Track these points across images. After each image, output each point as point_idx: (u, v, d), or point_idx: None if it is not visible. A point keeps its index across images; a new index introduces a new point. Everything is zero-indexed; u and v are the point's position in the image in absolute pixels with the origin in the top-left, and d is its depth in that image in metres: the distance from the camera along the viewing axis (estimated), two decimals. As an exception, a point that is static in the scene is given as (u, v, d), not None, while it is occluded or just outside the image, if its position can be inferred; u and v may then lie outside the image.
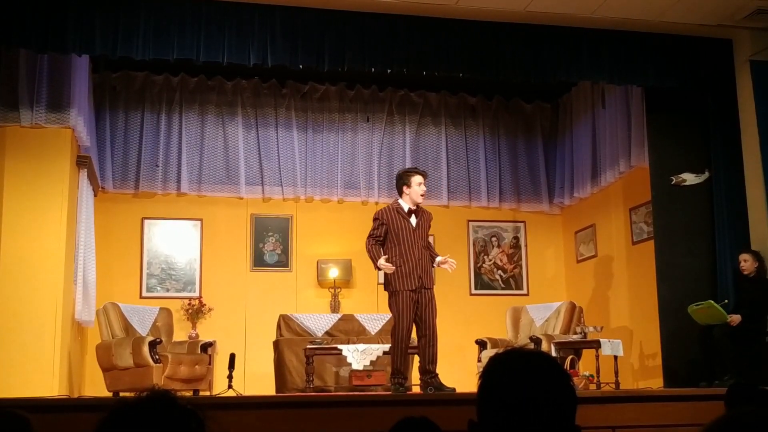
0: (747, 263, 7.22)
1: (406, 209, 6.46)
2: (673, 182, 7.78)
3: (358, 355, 7.56)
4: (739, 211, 7.62)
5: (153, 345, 7.43)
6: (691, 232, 7.77)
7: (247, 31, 7.01)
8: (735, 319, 6.96)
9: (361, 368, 7.61)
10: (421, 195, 6.47)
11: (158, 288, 9.49)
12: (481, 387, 1.65)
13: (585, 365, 7.94)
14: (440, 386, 6.23)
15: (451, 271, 6.73)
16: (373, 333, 8.85)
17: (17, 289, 7.04)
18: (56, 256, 7.24)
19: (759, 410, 1.30)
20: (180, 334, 8.94)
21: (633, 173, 8.89)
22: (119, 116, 9.53)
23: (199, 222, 9.70)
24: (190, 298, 9.40)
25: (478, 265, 10.40)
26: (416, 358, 7.86)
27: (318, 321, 8.91)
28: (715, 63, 7.83)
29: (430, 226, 6.65)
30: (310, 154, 9.96)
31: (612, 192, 9.49)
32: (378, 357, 7.68)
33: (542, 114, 10.74)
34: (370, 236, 6.49)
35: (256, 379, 8.83)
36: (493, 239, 10.46)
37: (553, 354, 7.47)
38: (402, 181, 6.52)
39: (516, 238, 10.53)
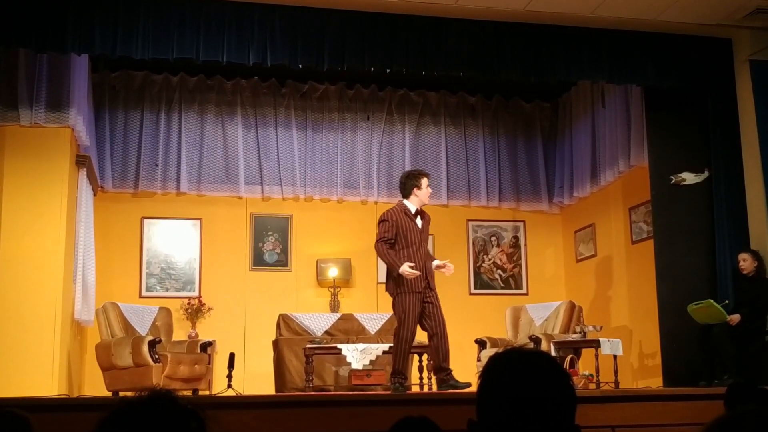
0: (746, 263, 7.22)
1: (413, 210, 6.45)
2: (672, 181, 7.78)
3: (357, 355, 7.55)
4: (738, 210, 7.62)
5: (152, 344, 7.43)
6: (691, 231, 7.78)
7: (247, 30, 7.01)
8: (734, 318, 6.97)
9: (360, 368, 7.60)
10: (430, 196, 6.57)
11: (158, 287, 9.49)
12: (480, 386, 1.65)
13: (584, 365, 7.94)
14: (456, 383, 6.23)
15: (448, 275, 6.73)
16: (372, 332, 8.85)
17: (17, 288, 7.04)
18: (56, 256, 7.24)
19: (758, 410, 1.30)
20: (179, 333, 8.94)
21: (632, 172, 8.89)
22: (119, 116, 9.53)
23: (198, 221, 9.70)
24: (189, 298, 9.40)
25: (478, 264, 10.40)
26: (416, 358, 7.89)
27: (317, 320, 8.91)
28: (714, 62, 7.83)
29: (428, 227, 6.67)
30: (310, 154, 9.96)
31: (611, 191, 9.49)
32: (377, 356, 7.68)
33: (542, 113, 10.74)
34: (381, 240, 6.37)
35: (256, 378, 8.83)
36: (493, 239, 10.46)
37: (553, 353, 7.47)
38: (412, 182, 6.49)
39: (515, 237, 10.53)
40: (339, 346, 7.79)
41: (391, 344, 7.72)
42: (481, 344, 8.52)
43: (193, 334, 9.01)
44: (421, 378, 7.68)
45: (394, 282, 6.31)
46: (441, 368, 6.33)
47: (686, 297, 7.30)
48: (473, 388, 5.63)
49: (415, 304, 6.24)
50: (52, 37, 6.59)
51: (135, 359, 7.40)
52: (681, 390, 6.04)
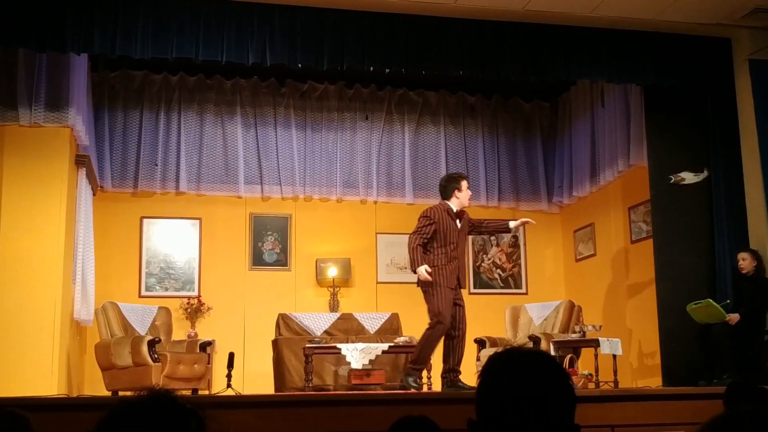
0: (745, 262, 7.23)
1: (454, 210, 6.55)
2: (672, 181, 7.78)
3: (357, 354, 7.55)
4: (737, 209, 7.62)
5: (152, 344, 7.43)
6: (690, 230, 7.78)
7: (246, 29, 7.01)
8: (734, 317, 6.97)
9: (360, 367, 7.60)
10: (469, 198, 6.74)
11: (157, 287, 9.49)
12: (480, 386, 1.65)
13: (584, 364, 7.94)
14: (464, 385, 6.30)
15: (533, 223, 7.16)
16: (372, 332, 8.85)
17: (16, 288, 7.04)
18: (55, 255, 7.24)
19: (757, 409, 1.30)
20: (179, 333, 8.94)
21: (632, 172, 8.90)
22: (118, 115, 9.53)
23: (197, 221, 9.70)
24: (189, 297, 9.40)
25: (477, 264, 10.40)
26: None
27: (317, 320, 8.91)
28: (714, 62, 7.83)
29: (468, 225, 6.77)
30: (309, 153, 9.96)
31: (611, 191, 9.49)
32: (377, 356, 7.68)
33: (541, 113, 10.74)
34: (417, 233, 6.47)
35: (255, 378, 8.82)
36: (492, 238, 10.45)
37: (552, 353, 7.47)
38: (453, 185, 6.63)
39: (515, 237, 10.53)
40: (338, 345, 7.79)
41: (391, 344, 7.77)
42: (480, 344, 8.52)
43: (193, 334, 9.01)
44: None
45: (431, 275, 6.34)
46: (453, 369, 6.38)
47: (686, 296, 7.30)
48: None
49: (449, 297, 6.33)
50: (51, 37, 6.59)
51: (134, 359, 7.40)
52: (680, 389, 6.04)
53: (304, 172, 9.90)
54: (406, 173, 10.15)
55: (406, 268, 10.08)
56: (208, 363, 7.94)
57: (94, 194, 8.68)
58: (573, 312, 8.69)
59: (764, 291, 7.12)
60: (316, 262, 9.79)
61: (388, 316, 9.06)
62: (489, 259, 10.44)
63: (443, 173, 10.18)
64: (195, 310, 9.33)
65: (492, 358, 1.68)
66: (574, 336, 7.90)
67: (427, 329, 6.42)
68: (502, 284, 10.40)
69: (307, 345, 7.73)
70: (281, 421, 4.84)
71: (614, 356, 7.43)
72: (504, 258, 10.47)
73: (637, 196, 8.93)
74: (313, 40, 7.15)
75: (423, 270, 6.29)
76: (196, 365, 7.75)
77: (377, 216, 10.15)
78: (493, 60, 7.53)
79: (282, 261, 9.86)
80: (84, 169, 7.98)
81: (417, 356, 6.49)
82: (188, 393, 7.31)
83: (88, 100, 8.27)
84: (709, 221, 7.76)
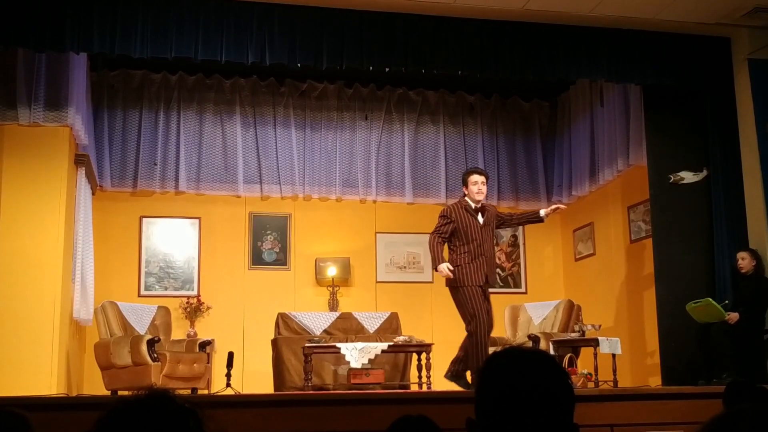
0: (745, 261, 7.23)
1: (472, 206, 6.50)
2: (671, 180, 7.78)
3: (356, 354, 7.55)
4: (737, 209, 7.63)
5: (151, 343, 7.43)
6: (689, 230, 7.78)
7: (246, 29, 7.01)
8: (733, 317, 6.97)
9: (359, 366, 7.60)
10: (477, 193, 6.50)
11: (156, 286, 9.49)
12: (479, 385, 1.65)
13: (583, 363, 7.94)
14: (467, 383, 6.24)
15: (564, 208, 7.15)
16: (371, 331, 8.85)
17: (15, 287, 7.04)
18: (54, 255, 7.24)
19: (756, 408, 1.30)
20: (178, 332, 8.94)
21: (631, 171, 8.90)
22: (117, 114, 9.52)
23: (197, 220, 9.70)
24: (188, 297, 9.40)
25: (477, 263, 10.39)
26: (414, 357, 7.89)
27: (316, 319, 8.91)
28: (713, 61, 7.83)
29: (495, 220, 6.66)
30: (309, 153, 9.96)
31: (610, 190, 9.49)
32: (376, 355, 7.68)
33: (540, 112, 10.74)
34: (435, 232, 6.45)
35: (255, 377, 8.82)
36: (492, 238, 10.44)
37: (552, 352, 7.47)
38: (462, 181, 6.64)
39: (514, 236, 10.53)
40: (338, 345, 7.78)
41: (390, 343, 7.76)
42: (479, 343, 8.52)
43: (192, 333, 9.00)
44: (420, 377, 7.68)
45: (455, 274, 6.30)
46: (464, 366, 6.33)
47: (685, 296, 7.30)
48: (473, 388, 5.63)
49: (479, 296, 6.27)
50: (50, 36, 6.59)
51: (134, 358, 7.40)
52: (680, 389, 6.04)
53: (304, 171, 9.89)
54: (406, 173, 10.15)
55: (405, 267, 10.14)
56: (208, 362, 7.94)
57: (93, 193, 8.68)
58: (572, 311, 8.69)
59: (763, 290, 7.12)
60: (316, 261, 9.79)
61: (387, 315, 9.06)
62: (488, 259, 10.43)
63: (442, 173, 10.23)
64: (194, 310, 9.33)
65: (491, 358, 1.68)
66: (574, 335, 7.90)
67: (467, 337, 6.30)
68: (501, 283, 10.39)
69: (307, 344, 7.73)
70: (280, 420, 4.85)
71: (613, 355, 7.43)
72: (503, 257, 10.47)
73: (636, 195, 8.93)
74: (313, 39, 7.14)
75: (444, 267, 6.25)
76: (195, 365, 7.75)
77: (376, 215, 10.16)
78: (493, 59, 7.53)
79: (281, 260, 9.86)
80: (83, 168, 7.98)
81: (471, 365, 6.23)
82: (187, 392, 7.31)
83: (87, 100, 8.27)
84: (709, 220, 7.76)
